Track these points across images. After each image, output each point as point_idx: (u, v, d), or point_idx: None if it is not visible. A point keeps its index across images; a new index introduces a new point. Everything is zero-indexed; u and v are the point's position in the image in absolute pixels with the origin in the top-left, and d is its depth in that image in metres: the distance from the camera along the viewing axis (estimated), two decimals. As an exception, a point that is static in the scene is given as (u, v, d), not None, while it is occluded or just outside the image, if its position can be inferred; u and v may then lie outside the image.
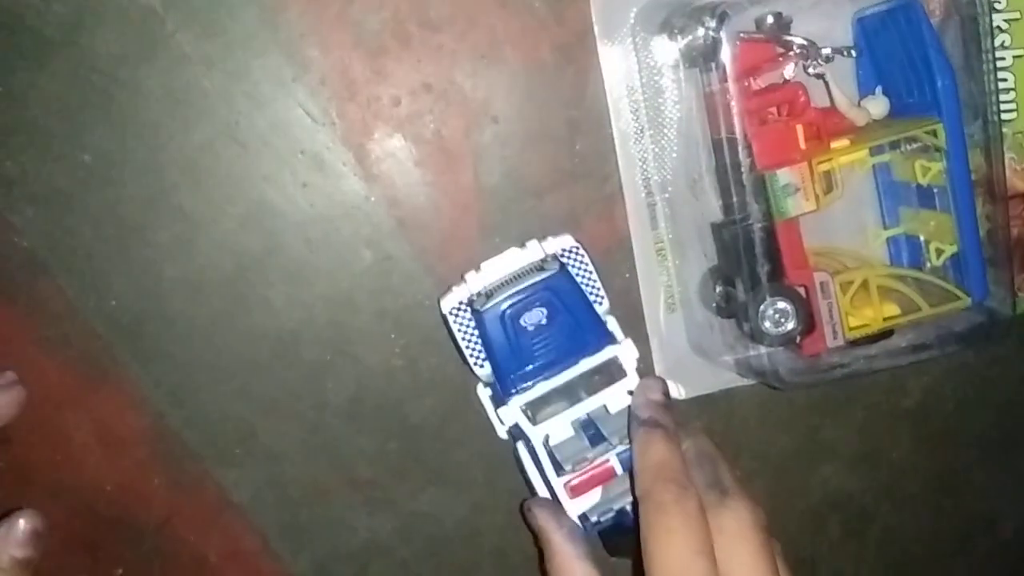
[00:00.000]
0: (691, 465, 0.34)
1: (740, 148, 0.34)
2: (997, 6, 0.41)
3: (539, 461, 0.37)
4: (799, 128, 0.36)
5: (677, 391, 0.44)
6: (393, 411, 0.42)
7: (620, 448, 0.36)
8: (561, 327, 0.37)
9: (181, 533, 0.42)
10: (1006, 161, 0.41)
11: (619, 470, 0.36)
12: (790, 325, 0.36)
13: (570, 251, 0.38)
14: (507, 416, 0.37)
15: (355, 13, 0.39)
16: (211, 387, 0.41)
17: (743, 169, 0.35)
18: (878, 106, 0.38)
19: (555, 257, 0.38)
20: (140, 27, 0.37)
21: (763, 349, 0.37)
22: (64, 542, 0.41)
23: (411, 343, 0.42)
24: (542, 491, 0.37)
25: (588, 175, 0.42)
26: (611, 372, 0.37)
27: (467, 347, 0.37)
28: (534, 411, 0.37)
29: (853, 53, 0.38)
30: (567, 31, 0.40)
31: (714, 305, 0.41)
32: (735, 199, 0.36)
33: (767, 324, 0.36)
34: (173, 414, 0.41)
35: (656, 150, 0.41)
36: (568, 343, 0.37)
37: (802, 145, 0.36)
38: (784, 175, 0.36)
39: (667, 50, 0.39)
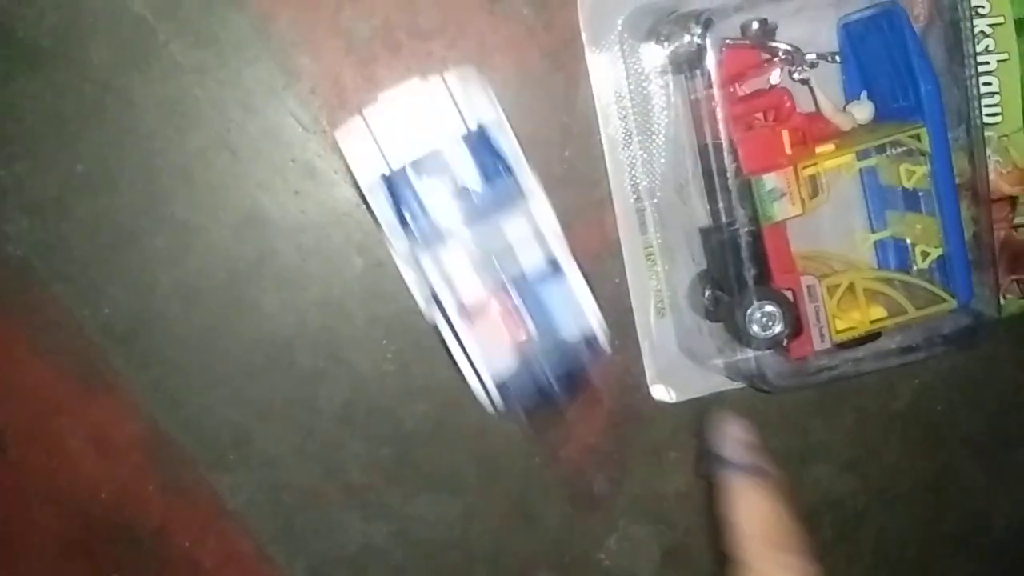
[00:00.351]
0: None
1: (726, 153, 0.35)
2: (980, 11, 0.41)
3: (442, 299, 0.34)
4: (785, 133, 0.37)
5: (668, 395, 0.44)
6: (386, 416, 0.43)
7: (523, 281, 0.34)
8: (466, 170, 0.34)
9: (176, 538, 0.43)
10: (991, 164, 0.41)
11: (517, 300, 0.34)
12: (777, 329, 0.37)
13: (468, 85, 0.35)
14: (413, 257, 0.34)
15: (345, 21, 0.39)
16: (205, 393, 0.41)
17: (729, 174, 0.35)
18: (863, 111, 0.38)
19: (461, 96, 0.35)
20: (132, 37, 0.38)
21: (751, 352, 0.38)
22: (60, 548, 0.42)
23: (403, 348, 0.42)
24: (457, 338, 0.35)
25: (578, 181, 0.42)
26: (516, 204, 0.35)
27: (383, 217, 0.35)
28: (436, 250, 0.34)
29: (837, 59, 0.39)
30: (555, 38, 0.41)
31: (703, 309, 0.41)
32: (721, 204, 0.36)
33: (754, 328, 0.37)
34: (168, 420, 0.41)
35: (644, 156, 0.41)
36: (472, 184, 0.34)
37: (788, 150, 0.37)
38: (770, 180, 0.36)
39: (654, 56, 0.40)
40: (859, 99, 0.39)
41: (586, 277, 0.36)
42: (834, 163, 0.37)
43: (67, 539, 0.42)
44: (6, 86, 0.38)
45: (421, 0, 0.39)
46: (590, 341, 0.36)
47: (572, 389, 0.35)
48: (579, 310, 0.35)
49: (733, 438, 0.33)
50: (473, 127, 0.35)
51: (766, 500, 0.31)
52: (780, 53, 0.37)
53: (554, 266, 0.35)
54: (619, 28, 0.40)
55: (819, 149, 0.37)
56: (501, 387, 0.35)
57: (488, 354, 0.34)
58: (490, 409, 0.34)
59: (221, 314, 0.41)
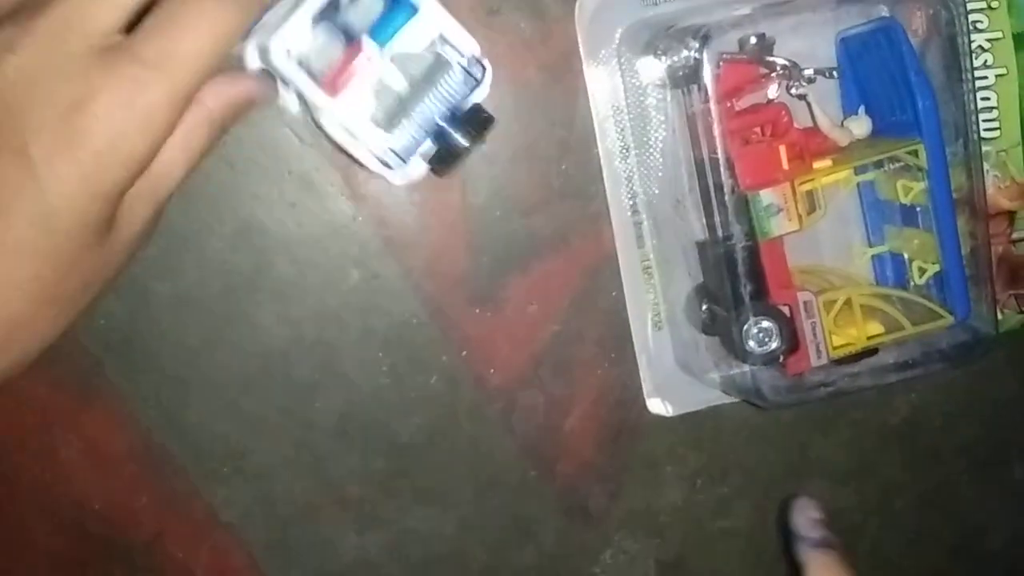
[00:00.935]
0: None
1: (723, 168, 0.35)
2: (979, 25, 0.41)
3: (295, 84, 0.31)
4: (782, 148, 0.36)
5: (665, 408, 0.44)
6: (381, 429, 0.43)
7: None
8: None
9: (170, 550, 0.42)
10: (989, 179, 0.41)
11: (374, 49, 0.30)
12: (774, 344, 0.37)
13: None
14: (248, 54, 0.31)
15: (343, 35, 0.39)
16: (200, 405, 0.41)
17: (725, 190, 0.35)
18: (860, 126, 0.38)
19: None
20: None
21: (747, 367, 0.37)
22: (53, 560, 0.42)
23: (398, 362, 0.42)
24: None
25: (575, 194, 0.42)
26: None
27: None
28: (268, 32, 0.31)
29: (835, 74, 0.39)
30: (553, 52, 0.41)
31: (700, 323, 0.41)
32: (718, 219, 0.36)
33: (751, 343, 0.36)
34: (162, 432, 0.41)
35: (642, 169, 0.41)
36: None
37: (785, 165, 0.37)
38: (767, 195, 0.36)
39: (652, 70, 0.40)
40: (857, 114, 0.39)
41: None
42: (832, 178, 0.37)
43: (60, 551, 0.41)
44: None
45: (418, 13, 0.39)
46: (466, 66, 0.32)
47: (468, 124, 0.32)
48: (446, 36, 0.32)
49: (803, 517, 0.37)
50: None
51: (839, 570, 0.35)
52: (778, 68, 0.37)
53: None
54: (617, 42, 0.40)
55: (816, 164, 0.37)
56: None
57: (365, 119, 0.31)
58: (391, 178, 0.32)
59: (216, 326, 0.41)
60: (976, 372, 0.47)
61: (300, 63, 0.31)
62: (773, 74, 0.37)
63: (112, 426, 0.41)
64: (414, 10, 0.31)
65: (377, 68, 0.31)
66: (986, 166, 0.41)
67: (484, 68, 0.32)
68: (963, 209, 0.38)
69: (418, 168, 0.32)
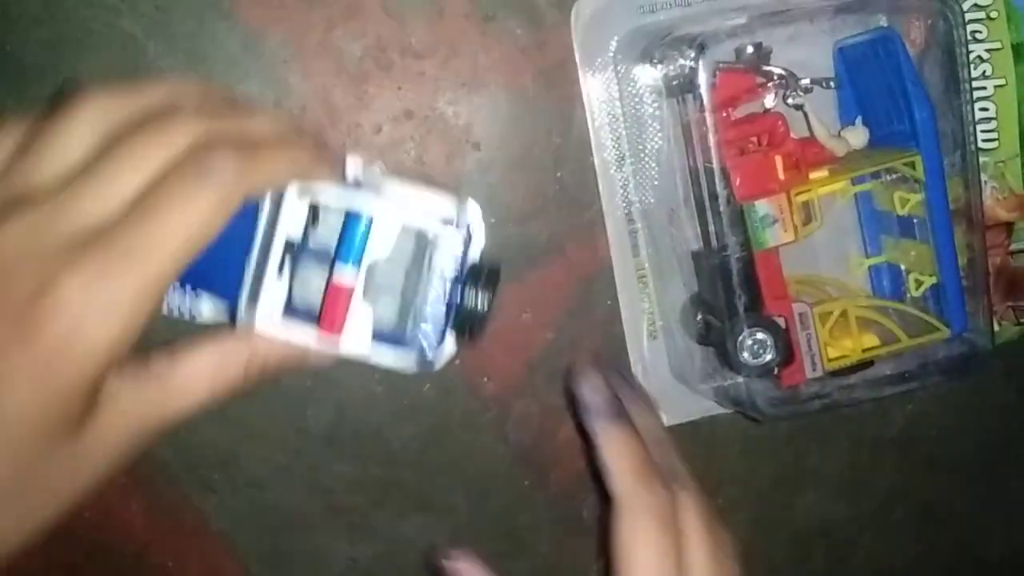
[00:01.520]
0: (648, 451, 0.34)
1: (718, 179, 0.34)
2: (978, 36, 0.41)
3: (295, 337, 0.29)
4: (778, 159, 0.36)
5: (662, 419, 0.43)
6: (373, 437, 0.42)
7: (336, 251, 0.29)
8: None
9: (160, 559, 0.42)
10: (987, 190, 0.41)
11: (350, 273, 0.29)
12: (768, 356, 0.36)
13: None
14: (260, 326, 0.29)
15: (337, 40, 0.39)
16: (191, 412, 0.41)
17: (721, 200, 0.35)
18: (857, 136, 0.38)
19: None
20: (122, 54, 0.38)
21: (741, 379, 0.37)
22: (44, 568, 0.41)
23: (391, 370, 0.41)
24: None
25: (570, 202, 0.42)
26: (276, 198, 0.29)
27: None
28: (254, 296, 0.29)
29: (832, 84, 0.38)
30: (549, 59, 0.40)
31: (695, 333, 0.41)
32: (713, 229, 0.36)
33: (745, 355, 0.36)
34: (152, 439, 0.41)
35: (637, 178, 0.41)
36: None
37: (781, 176, 0.36)
38: (762, 206, 0.36)
39: (648, 79, 0.39)
40: (854, 124, 0.39)
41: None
42: (828, 189, 0.37)
43: (51, 559, 0.41)
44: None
45: (413, 19, 0.39)
46: (449, 232, 0.30)
47: (477, 288, 0.30)
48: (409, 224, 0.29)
49: (588, 390, 0.35)
50: None
51: (627, 441, 0.33)
52: (774, 78, 0.37)
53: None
54: (613, 50, 0.40)
55: (813, 175, 0.37)
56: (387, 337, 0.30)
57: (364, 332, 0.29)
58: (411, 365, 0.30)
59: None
60: (972, 385, 0.47)
61: (291, 311, 0.29)
62: (770, 84, 0.37)
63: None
64: (369, 220, 0.29)
65: (363, 287, 0.29)
66: (984, 177, 0.41)
67: (467, 222, 0.30)
68: (960, 221, 0.38)
69: (451, 345, 0.31)
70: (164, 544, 0.42)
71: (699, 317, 0.40)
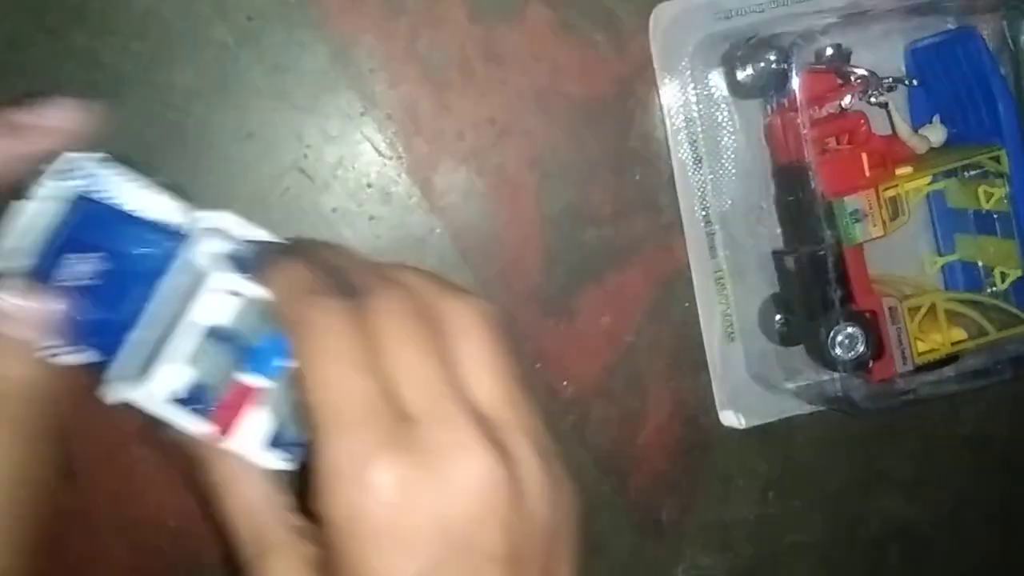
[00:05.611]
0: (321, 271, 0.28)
1: (812, 175, 0.35)
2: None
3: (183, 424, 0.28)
4: (864, 156, 0.37)
5: (737, 421, 0.44)
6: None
7: (262, 353, 0.28)
8: (112, 260, 0.28)
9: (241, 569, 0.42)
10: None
11: (262, 382, 0.27)
12: (860, 350, 0.37)
13: (79, 173, 0.29)
14: (116, 392, 0.28)
15: (422, 48, 0.39)
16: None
17: (811, 196, 0.36)
18: (937, 133, 0.39)
19: (71, 192, 0.28)
20: (214, 63, 0.38)
21: (832, 375, 0.37)
22: (124, 579, 0.41)
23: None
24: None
25: (648, 206, 0.42)
26: (206, 278, 0.28)
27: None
28: (147, 370, 0.28)
29: (914, 82, 0.39)
30: (627, 65, 0.41)
31: (774, 333, 0.41)
32: (801, 227, 0.37)
33: (838, 350, 0.36)
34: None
35: (714, 180, 0.41)
36: (131, 274, 0.28)
37: (867, 172, 0.37)
38: (851, 202, 0.36)
39: (725, 81, 0.40)
40: (931, 122, 0.40)
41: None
42: (914, 184, 0.37)
43: (133, 567, 0.41)
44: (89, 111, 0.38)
45: (496, 27, 0.40)
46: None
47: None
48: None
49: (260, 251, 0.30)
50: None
51: (282, 265, 0.27)
52: (856, 77, 0.38)
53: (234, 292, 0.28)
54: (691, 53, 0.40)
55: (898, 171, 0.37)
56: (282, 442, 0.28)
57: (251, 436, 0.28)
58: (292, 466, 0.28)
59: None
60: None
61: (189, 399, 0.28)
62: (851, 83, 0.38)
63: (189, 441, 0.40)
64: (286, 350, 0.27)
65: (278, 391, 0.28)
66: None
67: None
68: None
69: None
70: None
71: (779, 318, 0.41)
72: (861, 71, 0.37)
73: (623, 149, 0.42)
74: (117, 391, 0.28)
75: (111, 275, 0.28)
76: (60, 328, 0.28)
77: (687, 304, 0.43)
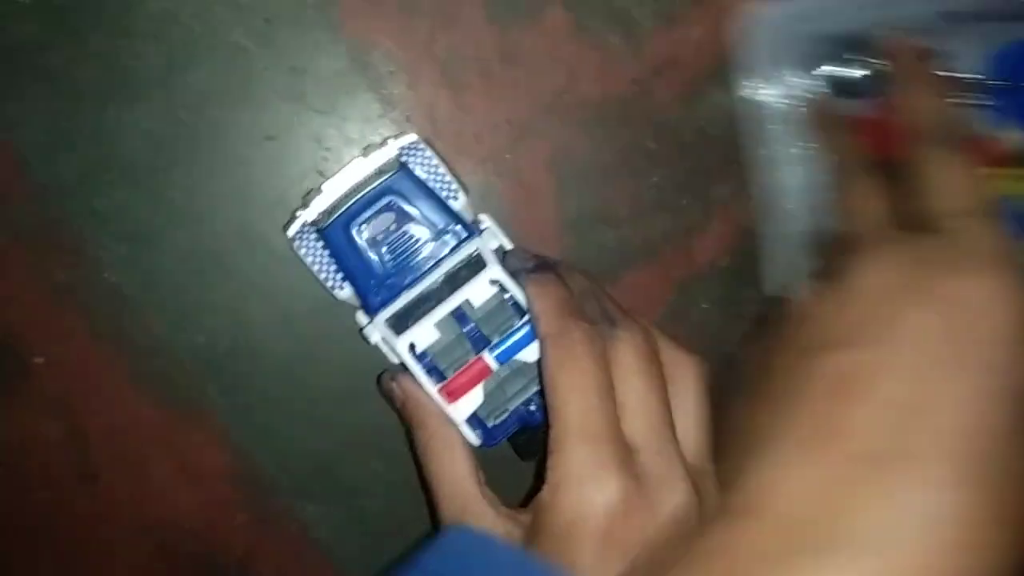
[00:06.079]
0: (576, 300, 0.33)
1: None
2: None
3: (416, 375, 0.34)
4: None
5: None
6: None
7: (495, 341, 0.34)
8: (413, 230, 0.36)
9: (261, 568, 0.42)
10: None
11: (494, 365, 0.34)
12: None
13: (411, 148, 0.36)
14: (372, 334, 0.35)
15: (439, 50, 0.39)
16: (292, 421, 0.41)
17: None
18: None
19: (396, 158, 0.36)
20: (231, 66, 0.38)
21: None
22: (143, 579, 0.41)
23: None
24: None
25: (665, 207, 0.42)
26: (474, 265, 0.35)
27: (320, 271, 0.36)
28: (401, 324, 0.35)
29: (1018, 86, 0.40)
30: (644, 66, 0.41)
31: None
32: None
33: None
34: (255, 449, 0.41)
35: (786, 179, 0.41)
36: (423, 245, 0.36)
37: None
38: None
39: (808, 79, 0.40)
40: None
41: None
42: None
43: (153, 567, 0.41)
44: (105, 112, 0.38)
45: (513, 29, 0.40)
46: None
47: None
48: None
49: (518, 258, 0.37)
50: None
51: (552, 286, 0.33)
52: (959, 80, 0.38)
53: (500, 288, 0.35)
54: (771, 52, 0.40)
55: (992, 170, 0.38)
56: (473, 420, 0.34)
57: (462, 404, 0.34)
58: (474, 442, 0.34)
59: (310, 342, 0.41)
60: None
61: (424, 356, 0.34)
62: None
63: (207, 444, 0.40)
64: (529, 332, 0.33)
65: (512, 387, 0.35)
66: None
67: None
68: None
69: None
70: (265, 553, 0.42)
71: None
72: (965, 75, 0.38)
73: (640, 150, 0.42)
74: (378, 333, 0.35)
75: (390, 246, 0.36)
76: (348, 266, 0.36)
77: (705, 306, 0.43)
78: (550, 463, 0.29)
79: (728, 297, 0.43)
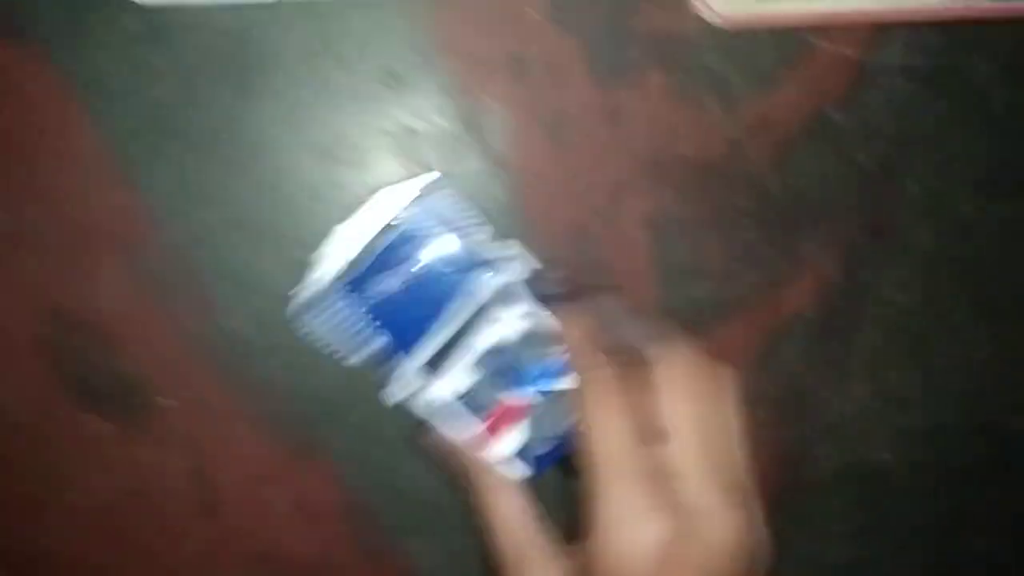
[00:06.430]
0: (607, 328, 0.34)
1: None
2: None
3: (456, 423, 0.34)
4: None
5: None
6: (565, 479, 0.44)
7: (533, 373, 0.34)
8: (435, 273, 0.35)
9: (371, 603, 0.44)
10: None
11: (535, 397, 0.34)
12: None
13: (431, 186, 0.36)
14: (401, 388, 0.35)
15: (546, 111, 0.41)
16: (405, 460, 0.42)
17: None
18: None
19: (416, 197, 0.36)
20: (350, 122, 0.40)
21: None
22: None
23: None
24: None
25: (756, 262, 0.44)
26: (504, 298, 0.35)
27: (348, 328, 0.36)
28: (434, 369, 0.35)
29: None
30: (738, 128, 0.43)
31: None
32: None
33: None
34: (368, 487, 0.43)
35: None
36: (448, 287, 0.35)
37: None
38: None
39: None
40: None
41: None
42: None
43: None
44: (230, 168, 0.40)
45: (616, 92, 0.42)
46: None
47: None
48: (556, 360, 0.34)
49: (545, 280, 0.36)
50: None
51: (577, 318, 0.34)
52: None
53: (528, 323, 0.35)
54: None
55: None
56: (522, 453, 0.34)
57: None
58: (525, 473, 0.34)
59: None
60: None
61: (463, 398, 0.34)
62: None
63: (323, 483, 0.43)
64: (555, 375, 0.34)
65: (554, 415, 0.34)
66: None
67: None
68: None
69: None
70: (372, 586, 0.44)
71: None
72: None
73: (733, 207, 0.43)
74: (403, 389, 0.34)
75: (417, 287, 0.35)
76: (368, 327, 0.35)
77: (794, 354, 0.44)
78: (592, 509, 0.29)
79: (813, 347, 0.45)
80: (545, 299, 0.35)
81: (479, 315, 0.35)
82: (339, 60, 0.40)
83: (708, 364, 0.32)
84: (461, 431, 0.34)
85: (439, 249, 0.35)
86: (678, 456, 0.29)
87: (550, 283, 0.36)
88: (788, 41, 0.42)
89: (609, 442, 0.29)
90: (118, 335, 0.40)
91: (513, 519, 0.33)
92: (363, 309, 0.35)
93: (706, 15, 0.41)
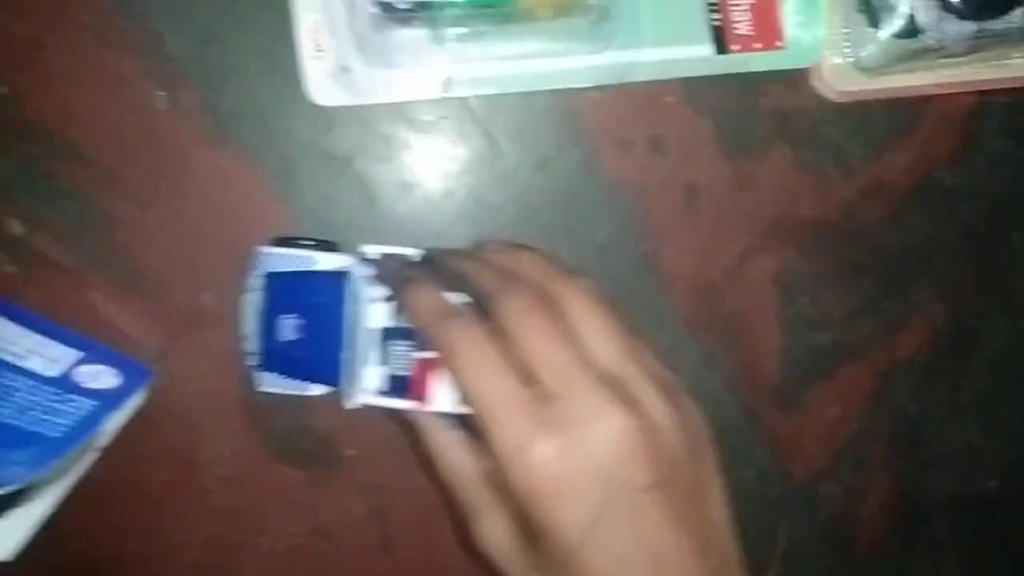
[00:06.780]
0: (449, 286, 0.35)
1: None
2: None
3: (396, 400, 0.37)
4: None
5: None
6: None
7: None
8: (308, 311, 0.38)
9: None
10: None
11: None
12: None
13: (264, 256, 0.40)
14: (355, 395, 0.38)
15: (680, 184, 0.46)
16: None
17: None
18: None
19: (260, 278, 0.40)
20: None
21: None
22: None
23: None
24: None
25: (872, 310, 0.48)
26: (369, 285, 0.38)
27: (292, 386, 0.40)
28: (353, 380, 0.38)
29: None
30: (854, 191, 0.47)
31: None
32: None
33: None
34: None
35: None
36: (322, 315, 0.38)
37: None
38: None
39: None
40: None
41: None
42: None
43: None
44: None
45: (744, 164, 0.46)
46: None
47: None
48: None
49: (387, 267, 0.39)
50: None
51: (413, 293, 0.35)
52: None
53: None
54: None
55: None
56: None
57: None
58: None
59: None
60: None
61: (384, 386, 0.38)
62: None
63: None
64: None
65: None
66: None
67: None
68: None
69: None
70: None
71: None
72: None
73: (850, 263, 0.48)
74: (348, 401, 0.38)
75: (310, 323, 0.38)
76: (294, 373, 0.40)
77: (907, 395, 0.49)
78: (486, 449, 0.31)
79: (925, 387, 0.49)
80: (389, 282, 0.38)
81: (359, 318, 0.38)
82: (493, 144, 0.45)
83: (563, 280, 0.33)
84: (405, 408, 0.37)
85: (304, 285, 0.39)
86: (550, 380, 0.31)
87: (391, 268, 0.39)
88: (899, 111, 0.47)
89: (481, 393, 0.31)
90: (308, 396, 0.45)
91: (462, 473, 0.35)
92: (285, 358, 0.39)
93: (824, 92, 0.46)
